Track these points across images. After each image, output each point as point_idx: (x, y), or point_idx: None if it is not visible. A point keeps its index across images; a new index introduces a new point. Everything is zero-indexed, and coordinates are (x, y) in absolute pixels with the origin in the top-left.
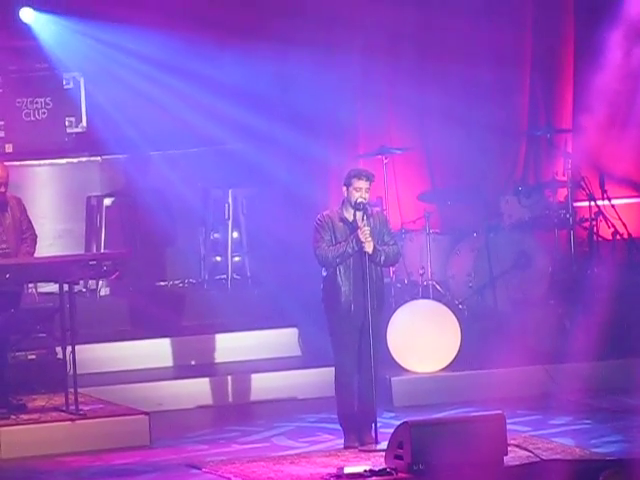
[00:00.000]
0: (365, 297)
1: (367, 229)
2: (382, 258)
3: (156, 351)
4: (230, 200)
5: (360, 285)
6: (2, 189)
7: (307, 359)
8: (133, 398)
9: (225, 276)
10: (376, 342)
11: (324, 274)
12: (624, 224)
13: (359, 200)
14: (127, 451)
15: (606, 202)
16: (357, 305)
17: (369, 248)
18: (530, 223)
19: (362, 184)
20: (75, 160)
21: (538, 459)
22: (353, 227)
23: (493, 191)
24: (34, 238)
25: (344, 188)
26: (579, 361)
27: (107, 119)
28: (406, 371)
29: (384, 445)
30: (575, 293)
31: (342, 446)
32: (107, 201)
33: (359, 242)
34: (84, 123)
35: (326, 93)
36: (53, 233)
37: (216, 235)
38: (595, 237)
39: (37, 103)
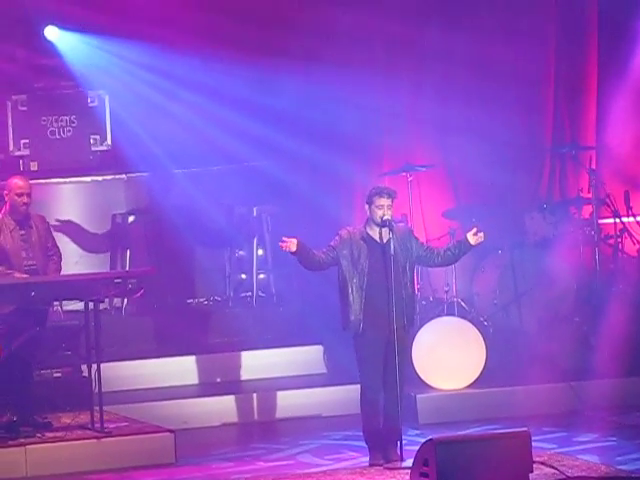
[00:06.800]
0: (387, 316)
1: None
2: (438, 260)
3: (181, 369)
4: (255, 217)
5: (375, 304)
6: (26, 199)
7: (332, 376)
8: (158, 416)
9: (250, 293)
10: (402, 359)
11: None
12: None
13: (385, 217)
14: (152, 469)
15: (631, 219)
16: (369, 323)
17: None
18: (555, 240)
19: (384, 201)
20: (100, 178)
21: (564, 476)
22: (374, 245)
23: (518, 208)
24: (60, 256)
25: (366, 206)
26: (604, 378)
27: (132, 137)
28: (431, 388)
29: (409, 462)
30: (600, 310)
31: (367, 463)
32: (132, 219)
33: (385, 256)
34: (109, 141)
35: (351, 111)
36: (78, 251)
37: (241, 252)
38: (620, 254)
39: (62, 121)
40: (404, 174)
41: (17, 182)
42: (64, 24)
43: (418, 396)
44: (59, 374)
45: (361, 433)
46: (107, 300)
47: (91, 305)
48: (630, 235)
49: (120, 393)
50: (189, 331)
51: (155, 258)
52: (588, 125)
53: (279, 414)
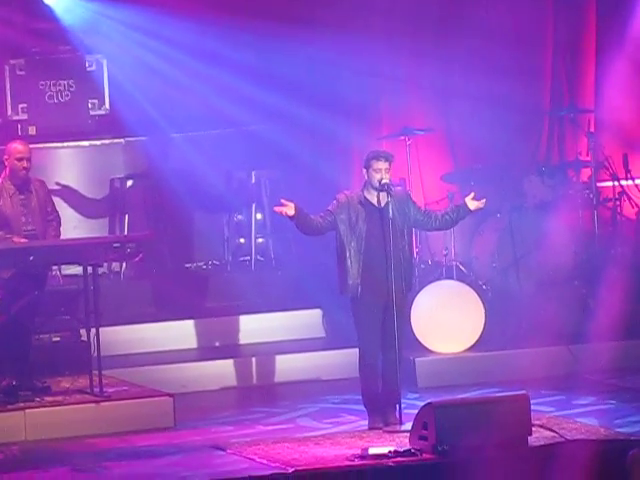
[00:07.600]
0: (385, 279)
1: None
2: (436, 224)
3: (180, 333)
4: (253, 182)
5: (374, 268)
6: (26, 164)
7: (331, 340)
8: (157, 380)
9: (249, 258)
10: (400, 323)
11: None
12: None
13: (383, 181)
14: (151, 433)
15: (630, 182)
16: (367, 287)
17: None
18: (553, 203)
19: (381, 165)
20: (98, 142)
21: (562, 439)
22: (372, 209)
23: (516, 171)
24: (59, 221)
25: (364, 171)
26: (603, 341)
27: (130, 101)
28: (430, 352)
29: (408, 426)
30: (599, 273)
31: (366, 427)
32: (130, 183)
33: (384, 220)
34: (107, 105)
35: (350, 75)
36: (77, 216)
37: (239, 217)
38: (619, 217)
39: (60, 85)
40: (402, 138)
41: (17, 147)
42: None
43: (417, 360)
44: (58, 338)
45: (360, 397)
46: (106, 264)
47: (90, 269)
48: (629, 198)
49: (119, 357)
50: (188, 295)
51: (153, 222)
52: (587, 88)
53: (278, 378)
